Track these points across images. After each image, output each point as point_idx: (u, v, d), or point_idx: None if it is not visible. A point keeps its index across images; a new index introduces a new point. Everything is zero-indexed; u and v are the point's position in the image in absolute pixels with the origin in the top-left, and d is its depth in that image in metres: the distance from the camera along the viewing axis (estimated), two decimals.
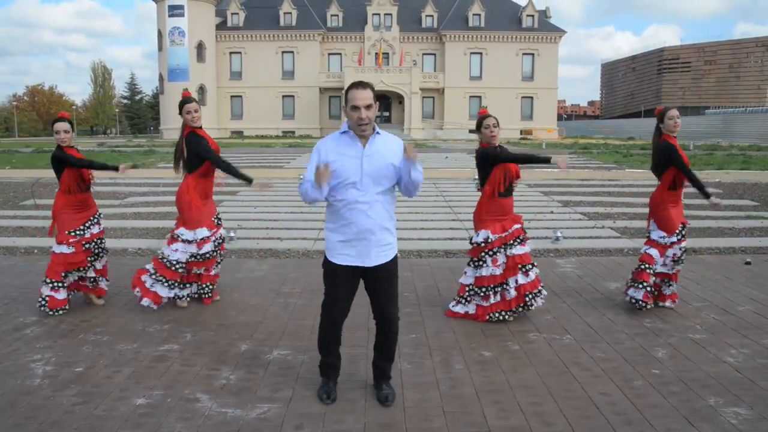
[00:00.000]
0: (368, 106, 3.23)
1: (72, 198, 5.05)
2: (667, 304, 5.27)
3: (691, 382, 3.77)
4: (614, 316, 5.08)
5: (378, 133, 3.34)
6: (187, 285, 5.30)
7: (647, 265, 5.09)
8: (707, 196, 4.99)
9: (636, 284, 5.10)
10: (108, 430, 3.16)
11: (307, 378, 3.81)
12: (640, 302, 5.04)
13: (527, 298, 4.86)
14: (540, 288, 4.95)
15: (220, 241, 5.32)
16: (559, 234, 8.44)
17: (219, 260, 5.38)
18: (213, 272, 5.35)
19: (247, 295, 5.66)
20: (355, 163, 3.27)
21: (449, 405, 3.47)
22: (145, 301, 5.10)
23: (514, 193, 4.97)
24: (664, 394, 3.60)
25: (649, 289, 5.07)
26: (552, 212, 11.11)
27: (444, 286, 5.97)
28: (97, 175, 5.32)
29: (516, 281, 4.85)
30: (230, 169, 4.99)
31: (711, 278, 6.26)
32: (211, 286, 5.37)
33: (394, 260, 3.47)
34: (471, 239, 5.01)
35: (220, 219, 5.39)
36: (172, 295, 5.20)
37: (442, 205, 12.02)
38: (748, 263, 6.97)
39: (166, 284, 5.12)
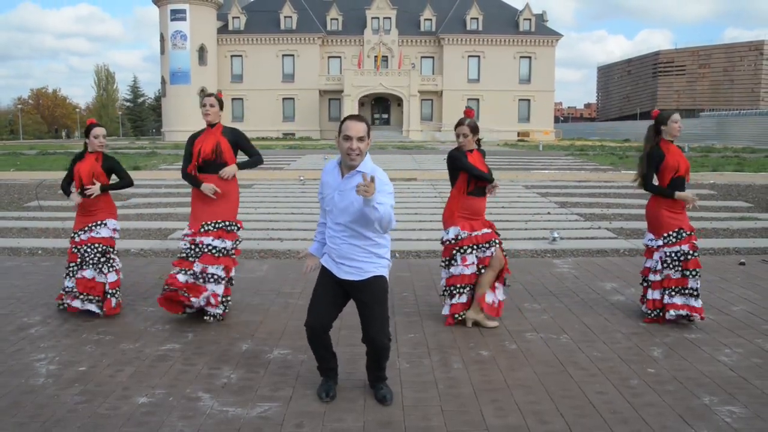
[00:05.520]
0: (360, 138, 3.24)
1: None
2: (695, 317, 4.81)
3: (686, 381, 3.82)
4: (610, 315, 5.14)
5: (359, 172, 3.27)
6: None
7: (642, 277, 5.09)
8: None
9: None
10: (111, 429, 3.20)
11: (307, 377, 3.85)
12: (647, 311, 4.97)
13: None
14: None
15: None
16: (555, 235, 8.50)
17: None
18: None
19: (248, 295, 5.70)
20: (331, 195, 3.39)
21: (447, 404, 3.51)
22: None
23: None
24: (660, 393, 3.65)
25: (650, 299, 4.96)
26: (549, 213, 11.17)
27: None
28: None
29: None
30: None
31: (705, 278, 6.30)
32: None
33: (376, 284, 3.39)
34: (442, 239, 4.95)
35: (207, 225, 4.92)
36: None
37: (441, 206, 12.06)
38: (742, 264, 7.03)
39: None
